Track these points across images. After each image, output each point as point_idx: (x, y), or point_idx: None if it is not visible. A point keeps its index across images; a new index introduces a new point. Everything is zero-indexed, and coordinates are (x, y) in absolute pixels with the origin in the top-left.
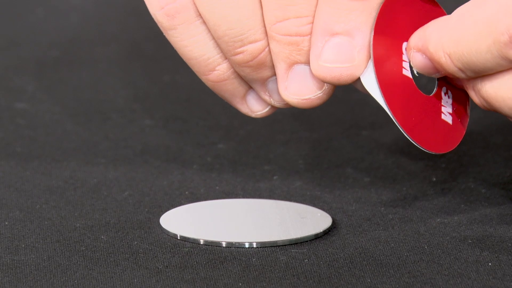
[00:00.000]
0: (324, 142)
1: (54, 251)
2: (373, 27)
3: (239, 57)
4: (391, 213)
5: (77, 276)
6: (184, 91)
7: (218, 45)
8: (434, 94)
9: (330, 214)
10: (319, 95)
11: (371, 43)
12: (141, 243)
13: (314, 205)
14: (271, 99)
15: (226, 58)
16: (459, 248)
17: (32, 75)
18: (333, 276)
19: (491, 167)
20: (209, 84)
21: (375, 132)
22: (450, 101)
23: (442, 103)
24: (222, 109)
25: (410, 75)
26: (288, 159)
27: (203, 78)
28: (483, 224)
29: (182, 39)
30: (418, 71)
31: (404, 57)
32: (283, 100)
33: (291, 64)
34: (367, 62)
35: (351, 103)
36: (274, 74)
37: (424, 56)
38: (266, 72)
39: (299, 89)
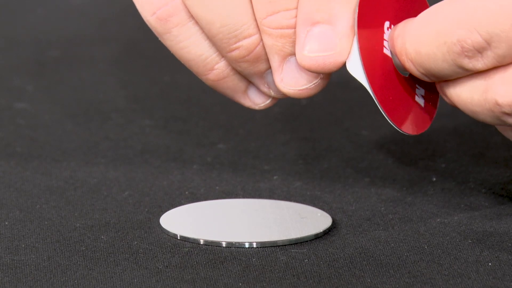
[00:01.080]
0: (324, 142)
1: (54, 251)
2: (357, 7)
3: (235, 53)
4: (391, 213)
5: (77, 276)
6: (184, 91)
7: (213, 43)
8: (410, 75)
9: (330, 214)
10: (315, 83)
11: (356, 23)
12: (141, 243)
13: (314, 205)
14: (271, 91)
15: (223, 56)
16: (459, 248)
17: (32, 75)
18: (333, 276)
19: (491, 167)
20: (209, 83)
21: (375, 132)
22: (423, 83)
23: (417, 85)
24: (222, 109)
25: (389, 54)
26: (288, 159)
27: (203, 78)
28: (483, 224)
29: (177, 42)
30: (398, 69)
31: (385, 36)
32: (278, 87)
33: (285, 56)
34: (350, 48)
35: (351, 103)
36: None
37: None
38: (263, 65)
39: (295, 80)
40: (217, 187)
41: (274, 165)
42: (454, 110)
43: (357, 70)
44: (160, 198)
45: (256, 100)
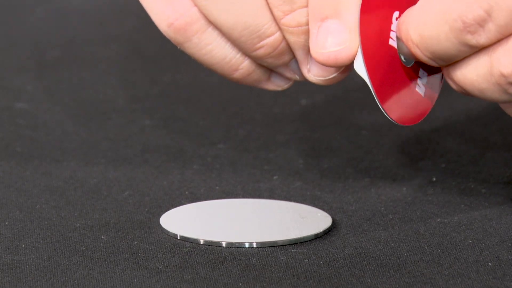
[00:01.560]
0: (324, 142)
1: (54, 251)
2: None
3: (260, 52)
4: (391, 213)
5: (77, 276)
6: (184, 91)
7: (235, 45)
8: (413, 64)
9: (330, 214)
10: (341, 70)
11: (358, 16)
12: (141, 243)
13: (314, 205)
14: (296, 76)
15: (246, 55)
16: (459, 248)
17: (32, 75)
18: (333, 276)
19: (491, 167)
20: (234, 80)
21: (375, 132)
22: (426, 73)
23: (419, 74)
24: (222, 109)
25: (395, 45)
26: (288, 159)
27: (229, 78)
28: (483, 224)
29: (199, 49)
30: (404, 56)
31: (393, 27)
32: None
33: (309, 50)
34: (358, 41)
35: (351, 103)
36: (294, 56)
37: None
38: (287, 57)
39: (322, 71)
40: (217, 187)
41: (274, 165)
42: (454, 110)
43: (358, 63)
44: (160, 198)
45: (280, 83)
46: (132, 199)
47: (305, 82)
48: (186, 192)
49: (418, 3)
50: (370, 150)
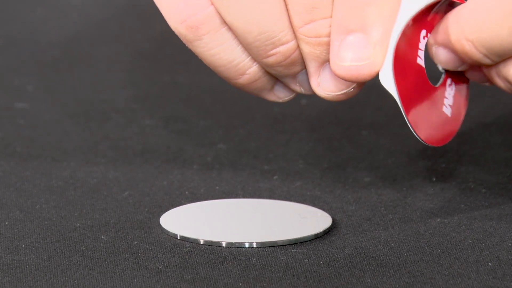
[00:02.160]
0: (324, 142)
1: (54, 251)
2: (408, 20)
3: (271, 59)
4: (391, 213)
5: (77, 276)
6: (184, 91)
7: (247, 50)
8: (441, 85)
9: (330, 214)
10: (351, 89)
11: (398, 36)
12: (141, 243)
13: (314, 205)
14: (301, 89)
15: (256, 61)
16: (459, 248)
17: (32, 75)
18: (333, 276)
19: (491, 167)
20: (238, 86)
21: (375, 132)
22: (452, 93)
23: (446, 95)
24: (222, 109)
25: (423, 64)
26: (288, 159)
27: (232, 82)
28: (483, 224)
29: (209, 49)
30: (443, 66)
31: (421, 45)
32: (313, 91)
33: (322, 63)
34: (385, 57)
35: (351, 103)
36: (305, 68)
37: (447, 50)
38: (298, 68)
39: (332, 86)
40: (217, 187)
41: (274, 165)
42: None
43: (388, 81)
44: (160, 198)
45: (281, 95)
46: (132, 199)
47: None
48: (186, 192)
49: (467, 3)
50: (370, 150)
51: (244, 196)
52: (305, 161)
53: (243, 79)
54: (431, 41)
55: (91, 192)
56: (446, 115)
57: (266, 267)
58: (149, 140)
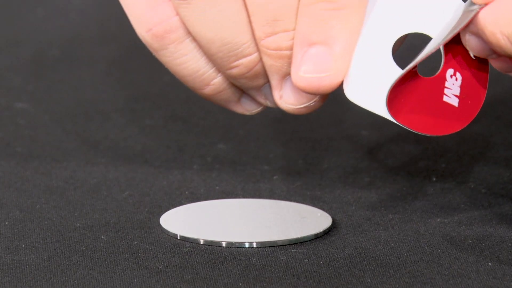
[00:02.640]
0: (324, 142)
1: (54, 251)
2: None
3: (234, 71)
4: (391, 213)
5: (77, 276)
6: (184, 91)
7: (211, 61)
8: (437, 76)
9: (330, 214)
10: (313, 102)
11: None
12: (141, 243)
13: (314, 205)
14: (267, 102)
15: (220, 72)
16: (459, 248)
17: (32, 75)
18: (333, 276)
19: (491, 167)
20: (204, 96)
21: (375, 132)
22: (458, 83)
23: (446, 85)
24: (222, 109)
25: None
26: (288, 159)
27: (198, 92)
28: (483, 224)
29: (174, 58)
30: (474, 53)
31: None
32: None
33: (284, 76)
34: (347, 70)
35: (351, 103)
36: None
37: (479, 39)
38: (262, 81)
39: (294, 98)
40: (217, 187)
41: (274, 165)
42: None
43: (354, 94)
44: (160, 198)
45: (249, 107)
46: (132, 199)
47: None
48: (186, 192)
49: None
50: (370, 150)
51: (244, 196)
52: (305, 161)
53: (208, 90)
54: (466, 28)
55: (91, 192)
56: (451, 105)
57: (266, 267)
58: (149, 140)
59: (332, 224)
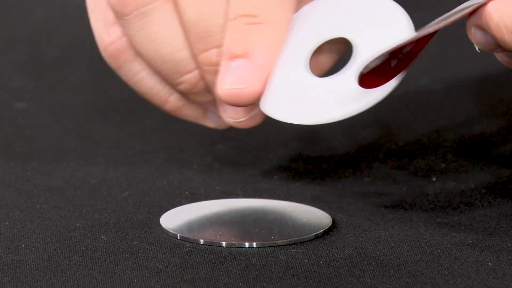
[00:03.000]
0: (324, 142)
1: (54, 251)
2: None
3: (181, 87)
4: (391, 213)
5: (77, 276)
6: None
7: (161, 78)
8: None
9: (330, 214)
10: (252, 115)
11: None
12: (141, 243)
13: (314, 205)
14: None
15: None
16: (459, 248)
17: (32, 75)
18: (333, 276)
19: (491, 167)
20: (168, 113)
21: (375, 132)
22: (406, 49)
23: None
24: None
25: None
26: (288, 159)
27: (163, 109)
28: (483, 224)
29: (130, 77)
30: (479, 47)
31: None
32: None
33: None
34: (265, 82)
35: None
36: None
37: (485, 33)
38: (211, 96)
39: (233, 112)
40: (217, 187)
41: (274, 165)
42: (454, 111)
43: (271, 108)
44: (160, 198)
45: (217, 121)
46: (132, 199)
47: None
48: (186, 192)
49: None
50: (370, 150)
51: (244, 196)
52: (305, 161)
53: (168, 106)
54: (471, 21)
55: (91, 192)
56: (390, 64)
57: (266, 267)
58: (149, 140)
59: (332, 224)
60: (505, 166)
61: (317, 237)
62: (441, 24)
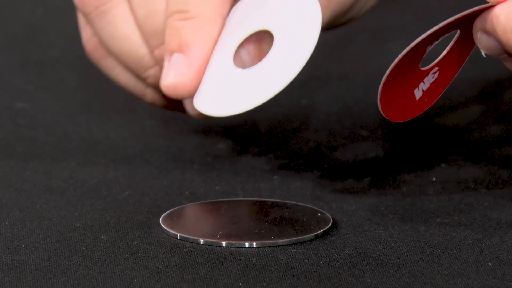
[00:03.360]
0: (324, 142)
1: (54, 251)
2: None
3: (149, 81)
4: (391, 213)
5: (77, 276)
6: None
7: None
8: (426, 69)
9: (330, 214)
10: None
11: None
12: (141, 243)
13: (314, 205)
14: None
15: None
16: (459, 248)
17: (32, 75)
18: (333, 276)
19: (491, 167)
20: (151, 104)
21: (375, 132)
22: (431, 80)
23: (424, 80)
24: None
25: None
26: (288, 159)
27: (144, 101)
28: (483, 224)
29: (108, 72)
30: (485, 52)
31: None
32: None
33: None
34: (201, 76)
35: (351, 103)
36: None
37: (491, 37)
38: None
39: (191, 105)
40: (217, 187)
41: (274, 165)
42: (454, 111)
43: (204, 104)
44: (160, 198)
45: (196, 111)
46: (132, 199)
47: (304, 82)
48: (186, 192)
49: None
50: (370, 150)
51: (244, 196)
52: (305, 161)
53: (147, 99)
54: (478, 26)
55: (91, 192)
56: (414, 97)
57: (266, 267)
58: (149, 140)
59: (332, 224)
60: (505, 167)
61: (317, 237)
62: (445, 22)
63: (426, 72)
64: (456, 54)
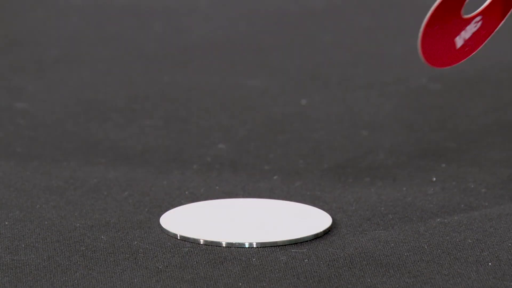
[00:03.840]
0: (324, 142)
1: (54, 251)
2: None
3: None
4: (391, 213)
5: (77, 276)
6: (184, 91)
7: None
8: (468, 18)
9: (330, 214)
10: None
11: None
12: (141, 243)
13: (314, 205)
14: None
15: None
16: (459, 248)
17: (32, 75)
18: (333, 276)
19: (491, 167)
20: None
21: (375, 132)
22: (473, 30)
23: (466, 28)
24: (222, 109)
25: None
26: (288, 159)
27: None
28: (483, 224)
29: None
30: None
31: None
32: None
33: None
34: None
35: (350, 103)
36: None
37: None
38: None
39: None
40: (217, 187)
41: (274, 165)
42: (454, 111)
43: None
44: (160, 198)
45: None
46: (132, 199)
47: (304, 82)
48: (186, 192)
49: None
50: (370, 150)
51: (244, 196)
52: (305, 161)
53: None
54: None
55: (91, 192)
56: (455, 45)
57: (266, 267)
58: (149, 140)
59: (332, 224)
60: (505, 166)
61: (317, 237)
62: None
63: (468, 21)
64: (501, 3)
